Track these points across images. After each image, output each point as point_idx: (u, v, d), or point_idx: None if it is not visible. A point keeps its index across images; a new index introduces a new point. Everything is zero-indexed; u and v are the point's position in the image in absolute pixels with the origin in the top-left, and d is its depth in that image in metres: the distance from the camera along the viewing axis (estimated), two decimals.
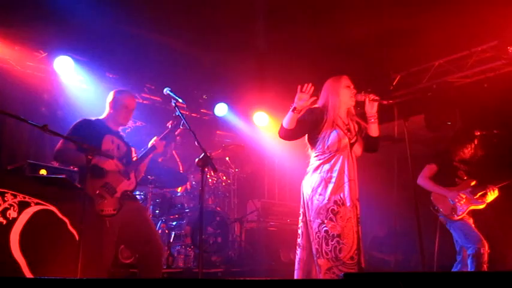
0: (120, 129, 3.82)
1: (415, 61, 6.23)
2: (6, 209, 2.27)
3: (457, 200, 4.48)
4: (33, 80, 6.12)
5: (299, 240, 3.33)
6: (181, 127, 3.63)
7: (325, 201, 3.20)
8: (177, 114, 3.65)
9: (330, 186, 3.23)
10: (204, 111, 7.53)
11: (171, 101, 3.79)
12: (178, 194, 5.81)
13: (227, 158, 6.29)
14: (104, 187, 3.30)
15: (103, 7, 5.12)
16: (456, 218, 4.47)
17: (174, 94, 3.69)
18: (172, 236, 5.25)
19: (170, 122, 3.79)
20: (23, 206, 2.36)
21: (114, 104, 3.71)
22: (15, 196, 2.33)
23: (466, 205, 4.47)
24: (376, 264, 6.78)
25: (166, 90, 3.75)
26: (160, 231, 5.06)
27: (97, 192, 3.22)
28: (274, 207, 6.65)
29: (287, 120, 3.30)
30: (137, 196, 4.70)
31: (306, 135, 3.45)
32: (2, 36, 5.44)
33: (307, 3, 5.25)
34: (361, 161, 3.56)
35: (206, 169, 3.57)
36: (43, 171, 4.35)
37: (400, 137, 4.60)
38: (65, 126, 3.68)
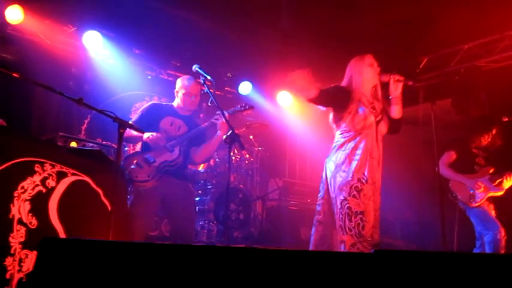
0: (190, 114, 3.99)
1: (443, 44, 6.13)
2: (45, 178, 2.36)
3: (475, 188, 4.49)
4: (62, 54, 6.21)
5: (319, 217, 3.37)
6: (209, 104, 3.70)
7: (349, 178, 3.22)
8: (205, 91, 3.71)
9: (354, 164, 3.25)
10: (228, 89, 7.56)
11: (199, 78, 3.86)
12: (202, 171, 5.90)
13: (251, 137, 6.34)
14: (143, 158, 3.46)
15: None
16: (474, 205, 4.48)
17: (203, 71, 3.75)
18: (196, 211, 5.37)
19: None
20: (60, 176, 2.46)
21: (179, 92, 3.94)
22: (53, 166, 2.42)
23: (484, 192, 4.48)
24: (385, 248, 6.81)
25: (195, 67, 3.80)
26: None
27: (135, 161, 3.39)
28: (296, 186, 6.72)
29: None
30: None
31: (331, 114, 3.48)
32: (32, 10, 5.52)
33: None
34: (385, 144, 3.57)
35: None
36: (73, 144, 4.47)
37: (426, 121, 4.58)
38: (92, 99, 3.83)
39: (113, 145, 5.09)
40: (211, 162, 5.89)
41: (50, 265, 1.12)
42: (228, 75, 7.30)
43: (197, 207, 5.46)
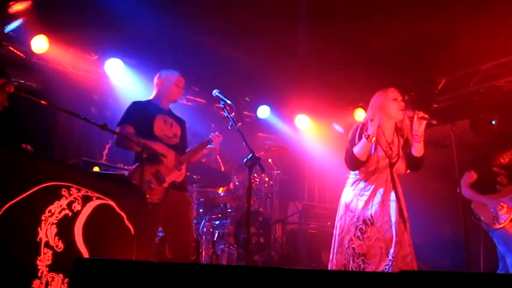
0: (169, 106, 3.98)
1: (462, 65, 6.13)
2: (71, 202, 2.42)
3: (498, 208, 4.40)
4: (84, 81, 6.38)
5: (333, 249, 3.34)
6: (229, 128, 3.75)
7: (355, 219, 3.21)
8: (225, 115, 3.76)
9: (361, 204, 3.23)
10: (246, 113, 7.63)
11: (219, 103, 3.92)
12: (222, 194, 5.93)
13: (269, 160, 6.36)
14: (154, 175, 3.47)
15: (151, 11, 5.31)
16: (498, 226, 4.39)
17: (223, 96, 3.81)
18: (216, 235, 5.37)
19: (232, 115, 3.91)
20: (86, 199, 2.51)
21: (163, 82, 3.91)
22: (79, 190, 2.47)
23: (507, 213, 4.39)
24: None
25: (215, 92, 3.86)
26: (205, 229, 5.19)
27: (147, 178, 3.40)
28: (315, 209, 6.69)
29: (361, 149, 3.22)
30: None
31: (346, 151, 3.40)
32: (57, 39, 5.70)
33: (348, 8, 5.26)
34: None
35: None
36: (96, 168, 4.55)
37: (445, 142, 4.54)
38: (113, 125, 3.86)
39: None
40: (231, 185, 5.92)
41: (83, 285, 1.15)
42: (246, 99, 7.37)
43: (217, 231, 5.46)
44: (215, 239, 5.34)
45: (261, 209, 5.83)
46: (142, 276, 1.21)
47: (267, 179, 6.19)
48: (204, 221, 5.39)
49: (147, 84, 6.65)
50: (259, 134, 7.71)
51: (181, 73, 6.72)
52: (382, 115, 3.34)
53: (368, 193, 3.24)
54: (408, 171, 3.42)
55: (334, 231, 3.36)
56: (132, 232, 2.79)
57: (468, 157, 5.39)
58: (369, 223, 3.16)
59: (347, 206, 3.28)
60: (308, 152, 7.77)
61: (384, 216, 3.17)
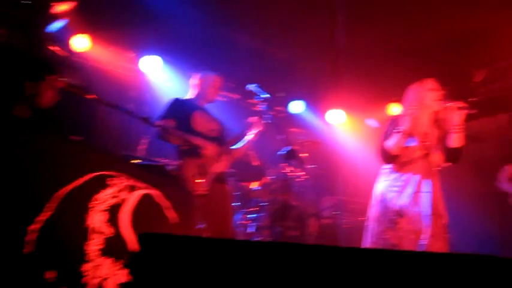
0: (206, 106, 4.12)
1: (501, 57, 6.00)
2: (120, 191, 2.55)
3: None
4: (123, 78, 6.58)
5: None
6: (266, 122, 3.83)
7: (387, 209, 3.23)
8: (262, 109, 3.84)
9: (393, 195, 3.25)
10: (280, 108, 7.67)
11: (253, 98, 4.01)
12: (256, 188, 6.00)
13: (303, 155, 6.39)
14: (198, 168, 3.59)
15: (188, 8, 5.43)
16: None
17: (261, 90, 3.89)
18: (254, 227, 5.46)
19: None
20: (132, 188, 2.63)
21: (202, 83, 4.06)
22: (126, 180, 2.60)
23: None
24: None
25: (251, 87, 3.95)
26: (242, 222, 5.29)
27: (192, 172, 3.53)
28: (349, 204, 6.70)
29: (393, 144, 3.25)
30: None
31: (378, 145, 3.43)
32: (98, 38, 5.90)
33: (385, 1, 5.24)
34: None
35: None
36: (136, 161, 4.69)
37: (484, 136, 4.48)
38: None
39: (173, 163, 5.31)
40: (265, 179, 5.98)
41: (148, 256, 1.24)
42: (280, 94, 7.42)
43: (254, 224, 5.54)
44: (250, 231, 5.42)
45: (296, 203, 5.88)
46: (201, 250, 1.29)
47: (301, 173, 6.21)
48: (240, 214, 5.49)
49: (183, 80, 6.81)
50: (292, 129, 7.75)
51: (216, 69, 6.90)
52: (418, 107, 3.32)
53: (401, 184, 3.25)
54: (446, 163, 3.39)
55: (366, 223, 3.39)
56: (175, 220, 2.90)
57: (508, 151, 5.31)
58: (401, 214, 3.18)
59: (380, 197, 3.30)
60: (342, 147, 7.77)
61: (415, 208, 3.17)
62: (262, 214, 5.56)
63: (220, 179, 3.84)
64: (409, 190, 3.22)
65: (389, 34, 5.79)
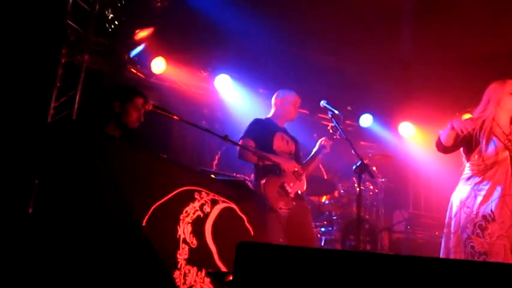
0: (285, 125, 4.22)
1: None
2: (203, 205, 2.73)
3: None
4: (196, 97, 6.90)
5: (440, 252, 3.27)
6: (337, 137, 3.92)
7: (473, 214, 3.08)
8: (334, 125, 3.94)
9: (479, 199, 3.10)
10: (349, 122, 7.69)
11: (322, 113, 4.12)
12: (326, 202, 6.05)
13: (374, 168, 6.36)
14: (281, 187, 3.75)
15: (256, 27, 5.64)
16: None
17: (331, 106, 3.99)
18: (323, 241, 5.51)
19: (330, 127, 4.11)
20: (214, 202, 2.81)
21: (282, 102, 4.16)
22: (208, 194, 2.79)
23: None
24: None
25: (323, 103, 4.06)
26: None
27: (276, 192, 3.70)
28: (422, 218, 6.56)
29: (444, 136, 3.26)
30: None
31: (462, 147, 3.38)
32: (173, 60, 6.26)
33: (454, 9, 5.15)
34: None
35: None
36: (212, 176, 4.92)
37: None
38: None
39: (246, 177, 5.51)
40: (336, 193, 6.02)
41: (246, 266, 1.37)
42: (348, 108, 7.44)
43: (324, 237, 5.60)
44: (322, 245, 5.47)
45: (367, 217, 5.87)
46: (296, 260, 1.40)
47: (372, 187, 6.20)
48: None
49: (253, 98, 7.03)
50: (361, 142, 7.72)
51: (285, 85, 7.05)
52: (497, 107, 3.26)
53: (487, 187, 3.11)
54: None
55: (446, 230, 3.27)
56: (252, 233, 3.04)
57: None
58: (490, 219, 3.03)
59: (462, 202, 3.16)
60: (413, 160, 7.62)
61: (505, 211, 3.04)
62: (333, 228, 5.59)
63: (300, 196, 4.01)
64: (497, 193, 3.07)
65: (460, 42, 5.66)
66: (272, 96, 7.08)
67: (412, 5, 5.16)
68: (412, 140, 7.45)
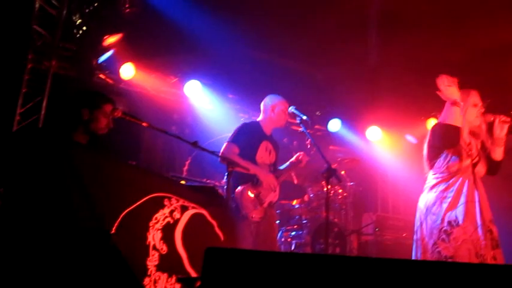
0: (272, 132, 4.31)
1: None
2: (172, 211, 2.74)
3: None
4: (165, 103, 6.87)
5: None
6: (306, 142, 4.00)
7: (439, 221, 3.16)
8: (302, 130, 4.01)
9: (444, 206, 3.18)
10: (318, 127, 7.80)
11: (295, 119, 4.18)
12: (296, 206, 6.12)
13: (342, 172, 6.48)
14: (256, 196, 3.81)
15: (225, 33, 5.67)
16: None
17: (299, 112, 4.05)
18: (293, 245, 5.57)
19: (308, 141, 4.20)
20: (183, 209, 2.83)
21: (273, 108, 4.22)
22: (178, 200, 2.80)
23: None
24: None
25: (291, 109, 4.12)
26: (282, 239, 5.42)
27: (251, 201, 3.76)
28: (390, 220, 6.69)
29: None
30: None
31: (425, 151, 3.41)
32: (143, 66, 6.23)
33: (420, 16, 5.30)
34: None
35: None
36: (183, 182, 4.92)
37: None
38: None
39: (216, 183, 5.53)
40: (306, 197, 6.10)
41: (214, 271, 1.40)
42: (317, 113, 7.56)
43: (294, 241, 5.66)
44: (292, 249, 5.53)
45: (336, 220, 5.96)
46: (265, 265, 1.43)
47: (340, 190, 6.30)
48: (281, 232, 5.61)
49: (222, 103, 7.06)
50: (330, 147, 7.84)
51: (254, 90, 7.11)
52: (464, 118, 3.35)
53: (452, 194, 3.21)
54: (485, 174, 3.42)
55: (415, 237, 3.34)
56: (222, 239, 3.06)
57: None
58: (454, 224, 3.13)
59: (429, 209, 3.24)
60: (380, 164, 7.79)
61: (469, 217, 3.15)
62: (303, 231, 5.66)
63: (271, 206, 4.09)
64: (462, 199, 3.17)
65: (425, 48, 5.82)
66: (241, 100, 7.20)
67: (378, 15, 5.30)
68: (380, 143, 7.61)
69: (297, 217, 5.98)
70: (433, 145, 3.37)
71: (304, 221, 5.85)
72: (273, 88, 6.94)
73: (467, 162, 3.29)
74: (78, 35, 4.88)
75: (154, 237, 2.58)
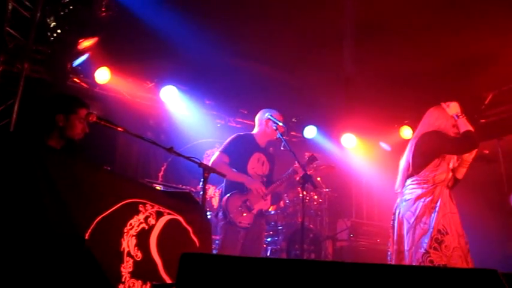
0: (266, 144, 4.35)
1: (508, 79, 6.14)
2: (147, 217, 2.72)
3: None
4: (141, 108, 6.83)
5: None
6: (282, 148, 4.03)
7: (431, 229, 3.20)
8: (278, 136, 4.04)
9: (434, 216, 3.24)
10: (294, 133, 7.86)
11: (272, 125, 4.21)
12: (272, 212, 6.14)
13: (318, 178, 6.53)
14: (244, 203, 3.84)
15: (203, 39, 5.67)
16: None
17: (275, 119, 4.09)
18: (269, 251, 5.58)
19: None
20: (159, 214, 2.80)
21: (268, 122, 4.26)
22: (153, 206, 2.78)
23: None
24: None
25: (267, 115, 4.15)
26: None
27: (237, 207, 3.79)
28: (364, 226, 6.78)
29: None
30: None
31: (409, 162, 3.48)
32: (118, 70, 6.17)
33: (394, 27, 5.42)
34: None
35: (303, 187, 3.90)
36: (158, 188, 4.88)
37: (494, 157, 4.59)
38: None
39: (192, 189, 5.50)
40: (282, 203, 6.13)
41: (189, 277, 1.39)
42: (293, 120, 7.62)
43: (270, 247, 5.67)
44: (268, 255, 5.54)
45: (312, 226, 6.00)
46: (240, 270, 1.43)
47: (316, 196, 6.36)
48: None
49: (198, 109, 7.04)
50: (306, 153, 7.89)
51: (231, 96, 7.12)
52: (450, 129, 3.50)
53: (438, 204, 3.29)
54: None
55: (396, 247, 3.36)
56: (197, 245, 3.05)
57: None
58: (444, 232, 3.20)
59: (418, 218, 3.27)
60: (355, 170, 7.89)
61: (454, 226, 3.25)
62: (279, 237, 5.68)
63: (262, 214, 4.13)
64: (447, 209, 3.27)
65: (398, 59, 5.94)
66: (218, 106, 7.20)
67: (353, 25, 5.39)
68: (354, 150, 7.71)
69: (272, 223, 6.00)
70: (425, 152, 3.43)
71: (280, 227, 5.87)
72: (250, 95, 7.02)
73: (450, 174, 3.42)
74: (52, 38, 4.80)
75: (128, 243, 2.55)
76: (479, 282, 1.49)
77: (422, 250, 3.17)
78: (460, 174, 3.52)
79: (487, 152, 3.48)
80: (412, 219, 3.30)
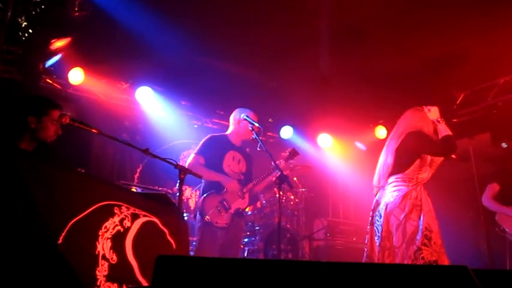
0: (241, 143, 4.35)
1: (479, 79, 6.28)
2: (122, 219, 2.69)
3: None
4: (116, 109, 6.74)
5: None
6: (258, 149, 4.03)
7: (420, 226, 3.27)
8: (254, 137, 4.05)
9: (422, 213, 3.33)
10: (270, 134, 7.88)
11: (246, 125, 4.21)
12: (249, 213, 6.14)
13: (294, 178, 6.57)
14: (221, 203, 3.82)
15: (177, 40, 5.64)
16: None
17: (251, 119, 4.10)
18: (246, 251, 5.59)
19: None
20: (134, 217, 2.78)
21: (241, 121, 4.28)
22: (128, 208, 2.75)
23: None
24: None
25: (243, 116, 4.15)
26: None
27: (214, 207, 3.77)
28: (340, 225, 6.85)
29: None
30: None
31: (394, 156, 3.55)
32: (92, 71, 6.08)
33: (367, 28, 5.50)
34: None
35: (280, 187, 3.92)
36: (133, 190, 4.83)
37: (466, 156, 4.70)
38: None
39: (168, 190, 5.46)
40: (259, 204, 6.14)
41: (165, 279, 1.38)
42: (270, 120, 7.64)
43: (247, 248, 5.68)
44: (245, 255, 5.54)
45: (288, 226, 6.03)
46: (216, 271, 1.43)
47: (292, 197, 6.39)
48: None
49: (174, 110, 7.00)
50: (282, 154, 7.93)
51: (207, 97, 7.09)
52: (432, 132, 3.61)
53: (423, 201, 3.39)
54: None
55: (383, 243, 3.38)
56: (174, 246, 3.03)
57: (490, 170, 5.51)
58: (430, 230, 3.28)
59: (407, 215, 3.32)
60: (331, 170, 7.96)
61: (435, 223, 3.36)
62: (256, 238, 5.69)
63: (240, 213, 4.12)
64: (428, 207, 3.36)
65: (372, 60, 6.03)
66: (194, 107, 7.17)
67: (329, 26, 5.44)
68: (330, 150, 7.78)
69: (249, 224, 6.00)
70: (411, 151, 3.50)
71: (257, 228, 5.88)
72: (226, 95, 7.00)
73: (430, 173, 3.52)
74: (23, 38, 4.70)
75: (104, 246, 2.52)
76: (450, 279, 1.52)
77: (415, 247, 3.24)
78: (428, 175, 3.60)
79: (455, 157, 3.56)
80: (402, 216, 3.35)
